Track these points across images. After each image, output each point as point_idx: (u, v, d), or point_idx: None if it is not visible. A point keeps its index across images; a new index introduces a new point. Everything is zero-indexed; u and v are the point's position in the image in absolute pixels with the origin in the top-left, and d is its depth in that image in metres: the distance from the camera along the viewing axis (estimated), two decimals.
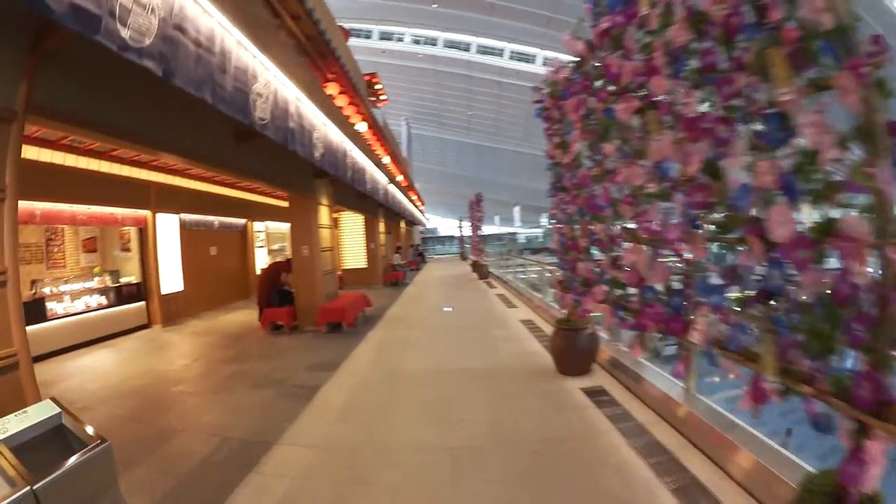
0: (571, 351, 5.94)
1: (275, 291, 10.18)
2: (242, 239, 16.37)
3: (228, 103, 4.12)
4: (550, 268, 9.88)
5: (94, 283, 10.07)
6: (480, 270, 19.56)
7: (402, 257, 23.03)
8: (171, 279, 11.50)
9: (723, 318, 2.81)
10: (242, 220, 16.00)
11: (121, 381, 6.97)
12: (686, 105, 2.95)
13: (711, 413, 3.95)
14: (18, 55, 3.09)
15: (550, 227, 7.18)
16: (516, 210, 68.34)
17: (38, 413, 2.73)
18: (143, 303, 10.91)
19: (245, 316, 12.27)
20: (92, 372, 7.63)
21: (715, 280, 2.92)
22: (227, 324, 11.37)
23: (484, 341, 8.33)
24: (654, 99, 3.33)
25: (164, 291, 11.19)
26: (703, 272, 3.06)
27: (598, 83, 4.29)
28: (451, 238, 69.46)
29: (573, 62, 4.90)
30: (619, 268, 4.23)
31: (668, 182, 3.23)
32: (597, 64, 4.33)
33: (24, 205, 8.18)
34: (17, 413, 2.65)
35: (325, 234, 11.06)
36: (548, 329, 8.50)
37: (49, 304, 8.82)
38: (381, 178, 14.53)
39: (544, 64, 53.44)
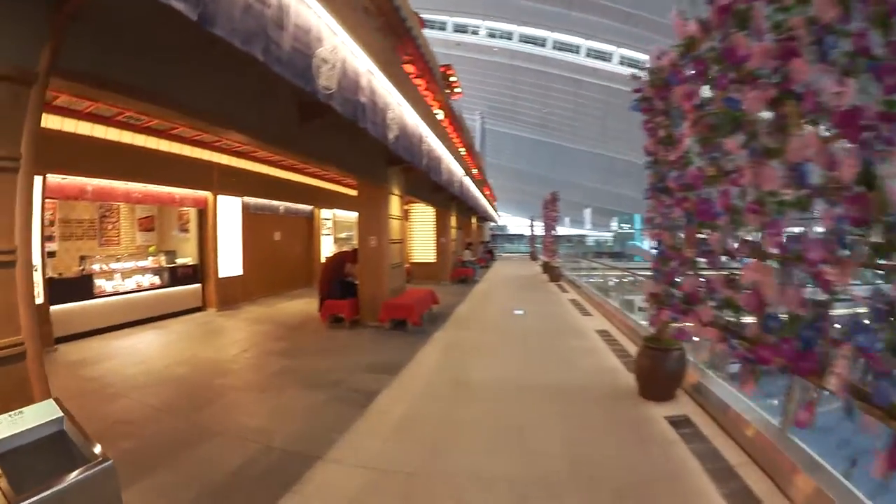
0: (658, 373, 5.14)
1: (337, 282, 9.30)
2: (308, 226, 15.83)
3: (285, 64, 3.50)
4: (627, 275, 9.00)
5: (149, 262, 9.61)
6: (552, 272, 18.27)
7: (472, 254, 21.98)
8: (230, 262, 10.95)
9: (870, 364, 2.28)
10: (309, 207, 15.42)
11: (162, 366, 6.36)
12: (837, 96, 2.40)
13: (811, 464, 3.25)
14: (41, 12, 2.64)
15: (641, 230, 5.94)
16: (587, 212, 65.90)
17: (36, 415, 2.31)
18: (198, 285, 10.40)
19: (305, 305, 11.53)
20: (134, 354, 7.06)
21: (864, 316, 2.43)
22: (285, 312, 10.66)
23: (558, 352, 7.35)
24: (794, 88, 2.75)
25: (221, 275, 10.64)
26: (848, 304, 2.66)
27: (716, 69, 3.65)
28: (520, 236, 67.97)
29: (679, 46, 4.26)
30: (736, 287, 3.59)
31: (807, 189, 2.74)
32: (714, 45, 3.69)
33: (74, 180, 7.77)
34: (11, 413, 2.24)
35: (394, 225, 10.09)
36: (625, 341, 7.74)
37: (98, 282, 8.35)
38: (457, 170, 13.50)
39: (621, 63, 51.06)
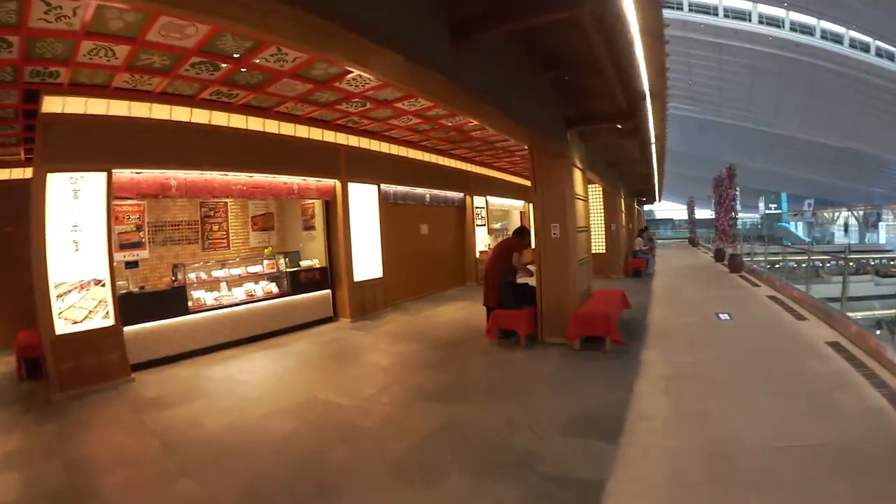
0: None
1: (509, 285, 6.34)
2: (459, 216, 13.13)
3: None
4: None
5: (262, 267, 7.58)
6: (734, 262, 13.74)
7: (643, 242, 17.77)
8: (366, 263, 8.60)
9: None
10: (460, 194, 12.75)
11: (259, 417, 4.20)
12: None
13: None
14: None
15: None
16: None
17: None
18: (327, 291, 8.16)
19: (460, 311, 8.79)
20: (228, 390, 4.94)
21: None
22: (436, 322, 7.96)
23: (802, 384, 4.40)
24: None
25: (357, 278, 8.40)
26: None
27: None
28: (666, 221, 60.05)
29: None
30: None
31: None
32: None
33: (151, 174, 5.86)
34: None
35: (580, 208, 7.00)
36: (870, 362, 4.78)
37: (196, 294, 6.48)
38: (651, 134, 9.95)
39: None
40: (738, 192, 15.72)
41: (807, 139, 44.79)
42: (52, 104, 4.92)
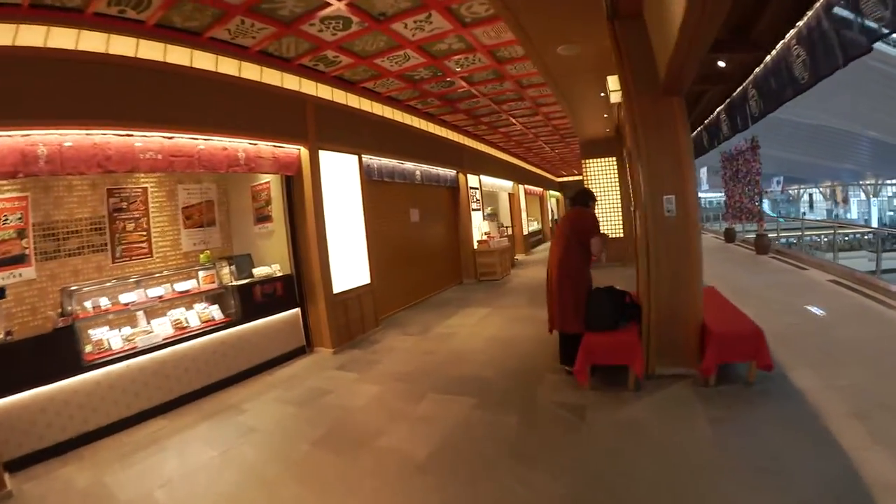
0: None
1: (599, 292, 4.19)
2: (452, 199, 10.74)
3: None
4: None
5: (198, 281, 5.04)
6: (761, 242, 11.99)
7: None
8: (348, 265, 6.14)
9: None
10: (452, 172, 10.32)
11: None
12: None
13: None
14: None
15: None
16: (703, 171, 54.46)
17: None
18: (295, 311, 5.68)
19: (484, 325, 6.52)
20: None
21: None
22: (461, 348, 5.54)
23: None
24: None
25: (337, 288, 5.96)
26: None
27: None
28: None
29: None
30: None
31: None
32: None
33: (5, 137, 3.33)
34: None
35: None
36: None
37: (97, 334, 4.04)
38: None
39: None
40: (761, 166, 13.86)
41: (777, 116, 44.46)
42: None
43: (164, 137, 4.32)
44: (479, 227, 11.28)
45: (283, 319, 5.50)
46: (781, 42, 3.21)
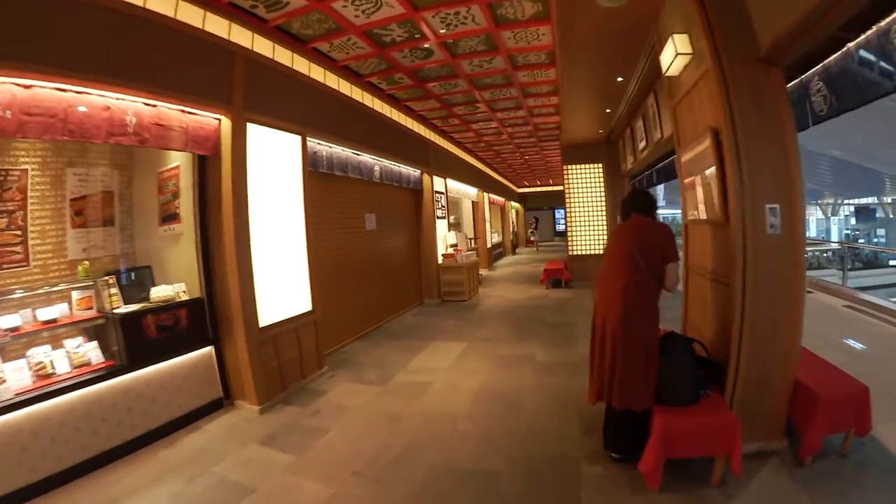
0: None
1: (684, 344, 2.81)
2: (415, 203, 9.24)
3: None
4: None
5: (70, 306, 3.36)
6: None
7: None
8: (281, 288, 4.49)
9: None
10: (417, 172, 8.81)
11: None
12: None
13: None
14: None
15: None
16: (660, 188, 54.99)
17: None
18: (207, 349, 3.97)
19: (463, 365, 5.04)
20: None
21: None
22: (439, 404, 4.05)
23: None
24: None
25: (265, 319, 4.25)
26: None
27: None
28: None
29: None
30: None
31: None
32: None
33: None
34: None
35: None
36: None
37: None
38: None
39: None
40: None
41: None
42: None
43: (16, 86, 2.62)
44: (445, 239, 9.80)
45: (190, 363, 3.79)
46: None
